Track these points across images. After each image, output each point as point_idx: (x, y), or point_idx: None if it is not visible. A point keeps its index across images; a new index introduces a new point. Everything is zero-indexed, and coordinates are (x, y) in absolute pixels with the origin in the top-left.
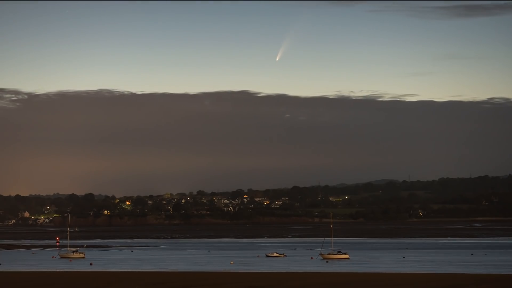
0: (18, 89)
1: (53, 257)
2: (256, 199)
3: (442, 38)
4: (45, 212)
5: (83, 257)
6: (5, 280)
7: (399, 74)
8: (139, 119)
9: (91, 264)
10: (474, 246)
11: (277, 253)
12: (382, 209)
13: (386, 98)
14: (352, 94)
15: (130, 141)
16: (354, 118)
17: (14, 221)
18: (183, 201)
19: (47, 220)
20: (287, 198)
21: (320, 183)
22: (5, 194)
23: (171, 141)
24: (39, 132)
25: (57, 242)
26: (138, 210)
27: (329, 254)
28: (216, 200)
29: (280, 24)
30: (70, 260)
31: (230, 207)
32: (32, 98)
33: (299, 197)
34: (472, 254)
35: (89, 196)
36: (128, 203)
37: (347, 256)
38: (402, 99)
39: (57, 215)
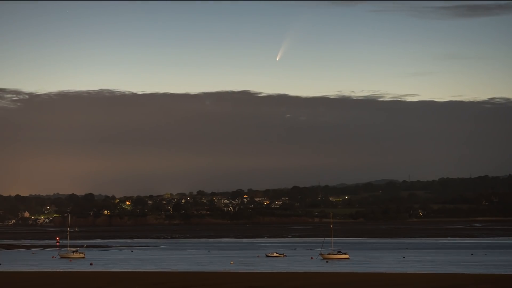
0: (19, 89)
1: (53, 257)
2: (256, 199)
3: (442, 38)
4: (45, 212)
5: (83, 257)
6: (5, 280)
7: (399, 74)
8: (139, 119)
9: (91, 264)
10: (474, 246)
11: (277, 253)
12: (382, 209)
13: (387, 98)
14: (353, 94)
15: (130, 141)
16: (354, 118)
17: (14, 221)
18: (183, 201)
19: (47, 220)
20: (287, 198)
21: (320, 183)
22: (5, 194)
23: (171, 141)
24: (39, 132)
25: (57, 242)
26: (138, 210)
27: (329, 254)
28: (216, 200)
29: (281, 24)
30: (70, 260)
31: (230, 207)
32: (33, 98)
33: (299, 197)
34: (472, 254)
35: (89, 196)
36: (128, 203)
37: (347, 256)
38: (403, 99)
39: (57, 215)
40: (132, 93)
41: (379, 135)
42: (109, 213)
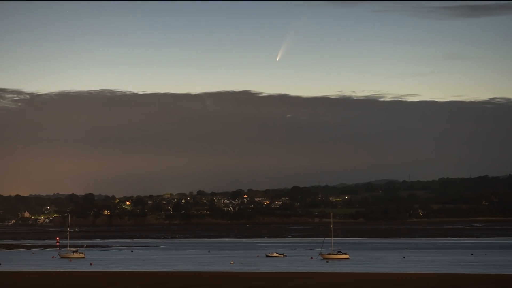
0: (20, 89)
1: (53, 257)
2: (256, 199)
3: (443, 38)
4: (45, 212)
5: (83, 257)
6: (5, 280)
7: (400, 74)
8: (140, 119)
9: (90, 264)
10: (474, 246)
11: (277, 253)
12: (382, 209)
13: (388, 98)
14: (353, 94)
15: (130, 141)
16: (355, 118)
17: (14, 221)
18: (183, 201)
19: (47, 220)
20: (287, 198)
21: (320, 183)
22: (5, 194)
23: (172, 141)
24: (40, 132)
25: (57, 242)
26: (138, 210)
27: (329, 254)
28: (216, 200)
29: (282, 24)
30: (70, 260)
31: (230, 207)
32: (34, 98)
33: (299, 197)
34: (472, 254)
35: (89, 196)
36: (128, 203)
37: (347, 256)
38: (404, 99)
39: (57, 215)
40: (133, 93)
41: (380, 135)
42: (109, 213)
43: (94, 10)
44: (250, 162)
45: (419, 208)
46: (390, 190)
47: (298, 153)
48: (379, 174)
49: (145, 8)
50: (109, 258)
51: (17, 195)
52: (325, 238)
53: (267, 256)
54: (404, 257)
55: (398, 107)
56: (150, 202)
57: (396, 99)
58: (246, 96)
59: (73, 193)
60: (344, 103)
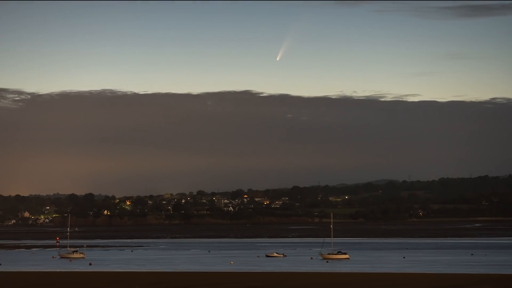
0: (21, 89)
1: (53, 257)
2: (256, 199)
3: (444, 38)
4: (45, 212)
5: (83, 257)
6: (5, 280)
7: (401, 74)
8: (141, 119)
9: (90, 264)
10: (474, 246)
11: (277, 253)
12: (382, 209)
13: (389, 98)
14: (354, 94)
15: (130, 141)
16: (356, 118)
17: (14, 221)
18: (183, 201)
19: (47, 220)
20: (287, 198)
21: (320, 183)
22: (5, 194)
23: (172, 141)
24: (40, 132)
25: (57, 242)
26: (138, 210)
27: (329, 254)
28: (216, 200)
29: (282, 24)
30: (70, 260)
31: (230, 207)
32: (35, 98)
33: (299, 197)
34: (472, 254)
35: (89, 196)
36: (128, 203)
37: (347, 256)
38: (405, 99)
39: (57, 215)
40: (134, 93)
41: (380, 135)
42: (109, 213)
43: (95, 10)
44: (250, 162)
45: (419, 208)
46: (390, 190)
47: (298, 153)
48: (379, 174)
49: (147, 8)
50: (109, 258)
51: (17, 195)
52: (325, 238)
53: (267, 256)
54: (404, 257)
55: (399, 107)
56: (150, 202)
57: (397, 99)
58: (247, 96)
59: (73, 193)
60: (345, 103)
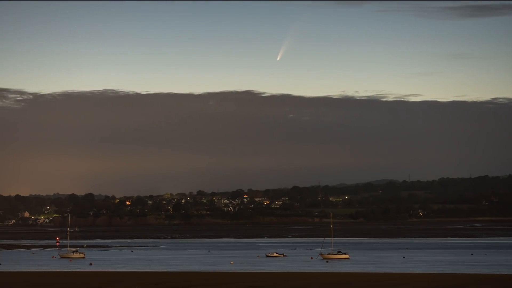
0: (23, 89)
1: (53, 257)
2: (256, 199)
3: (446, 38)
4: (45, 212)
5: (83, 257)
6: (5, 280)
7: (403, 74)
8: (142, 119)
9: (90, 264)
10: (474, 246)
11: (277, 253)
12: (382, 209)
13: (390, 98)
14: (356, 94)
15: (130, 141)
16: (357, 118)
17: (14, 221)
18: (183, 201)
19: (47, 220)
20: (287, 198)
21: (320, 183)
22: (5, 194)
23: (173, 141)
24: (40, 132)
25: (57, 242)
26: (138, 210)
27: (329, 254)
28: (216, 200)
29: (284, 23)
30: (70, 260)
31: (230, 207)
32: (37, 98)
33: (299, 197)
34: (472, 254)
35: (89, 196)
36: (128, 203)
37: (347, 256)
38: (406, 99)
39: (57, 215)
40: (136, 93)
41: (381, 135)
42: (109, 213)
43: (95, 10)
44: (250, 162)
45: (419, 208)
46: (390, 190)
47: (298, 153)
48: (379, 174)
49: (148, 8)
50: (109, 258)
51: (17, 195)
52: (325, 238)
53: (267, 256)
54: (404, 257)
55: (400, 107)
56: (150, 202)
57: (398, 99)
58: (249, 96)
59: (73, 193)
60: (347, 103)
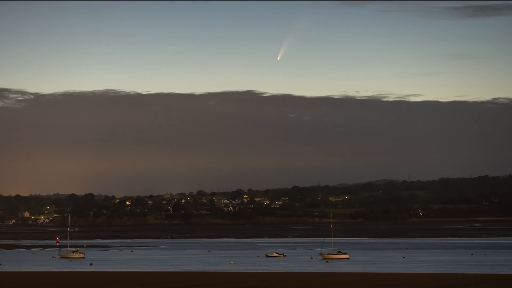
0: (24, 89)
1: (53, 257)
2: (256, 199)
3: (447, 38)
4: (45, 212)
5: (83, 257)
6: (5, 280)
7: (404, 74)
8: (143, 119)
9: (91, 264)
10: (474, 246)
11: (277, 253)
12: (382, 209)
13: (391, 98)
14: (357, 94)
15: (130, 141)
16: (358, 118)
17: (14, 221)
18: (183, 201)
19: (47, 220)
20: (287, 198)
21: (320, 183)
22: (5, 194)
23: (173, 141)
24: (40, 132)
25: (57, 242)
26: (138, 210)
27: (329, 254)
28: (216, 200)
29: (285, 23)
30: (70, 260)
31: (230, 207)
32: (38, 98)
33: (299, 197)
34: (472, 254)
35: (89, 196)
36: (128, 203)
37: (347, 256)
38: (407, 99)
39: (57, 215)
40: (137, 93)
41: (383, 135)
42: (109, 213)
43: (96, 10)
44: (250, 162)
45: (419, 208)
46: (390, 190)
47: (299, 153)
48: (379, 174)
49: (148, 8)
50: (109, 258)
51: (17, 195)
52: (325, 238)
53: (267, 256)
54: (404, 257)
55: (401, 107)
56: (150, 202)
57: (399, 99)
58: (250, 96)
59: (73, 193)
60: (348, 103)
